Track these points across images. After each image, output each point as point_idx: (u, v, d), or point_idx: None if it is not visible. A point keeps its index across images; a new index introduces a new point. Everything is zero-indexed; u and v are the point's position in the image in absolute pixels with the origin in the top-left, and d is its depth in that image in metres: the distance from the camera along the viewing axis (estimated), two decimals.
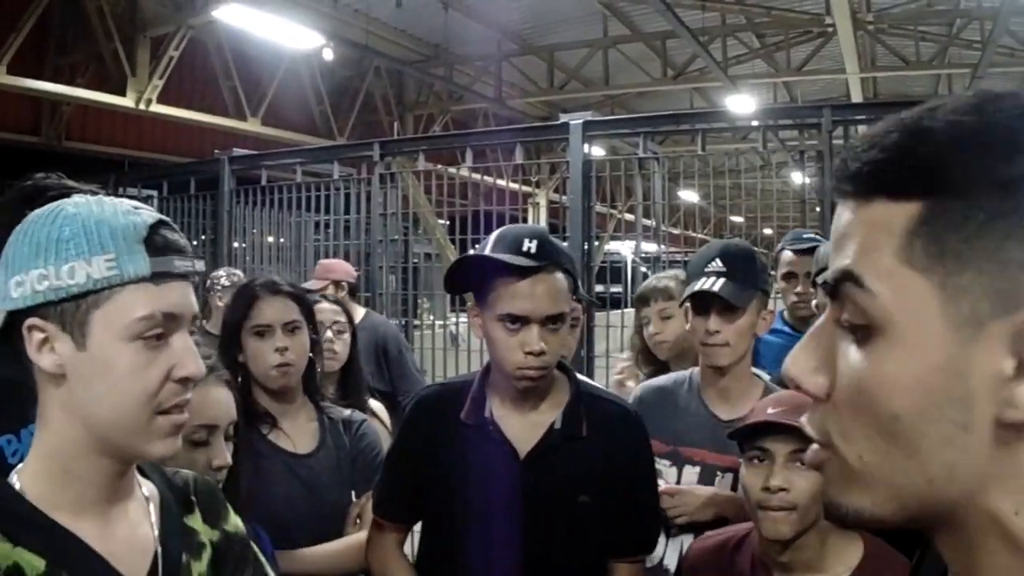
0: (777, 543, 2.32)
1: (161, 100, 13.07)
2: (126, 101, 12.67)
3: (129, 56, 12.59)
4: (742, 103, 14.65)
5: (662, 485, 2.84)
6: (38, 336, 1.41)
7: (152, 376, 1.43)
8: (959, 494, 0.79)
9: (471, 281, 2.53)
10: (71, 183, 2.62)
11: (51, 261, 1.39)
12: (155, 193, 9.19)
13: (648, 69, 17.45)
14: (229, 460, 2.29)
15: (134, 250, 1.41)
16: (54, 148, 14.03)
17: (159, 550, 1.54)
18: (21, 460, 2.41)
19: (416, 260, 8.31)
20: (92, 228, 1.41)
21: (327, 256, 7.73)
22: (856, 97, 16.18)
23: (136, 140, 15.27)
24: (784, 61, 16.25)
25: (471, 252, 2.63)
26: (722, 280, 2.85)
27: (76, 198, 1.49)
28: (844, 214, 0.85)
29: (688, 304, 2.96)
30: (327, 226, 7.99)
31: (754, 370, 3.06)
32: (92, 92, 12.49)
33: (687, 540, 2.89)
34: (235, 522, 1.76)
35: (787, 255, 4.40)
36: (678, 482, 2.96)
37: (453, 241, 9.00)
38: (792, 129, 7.41)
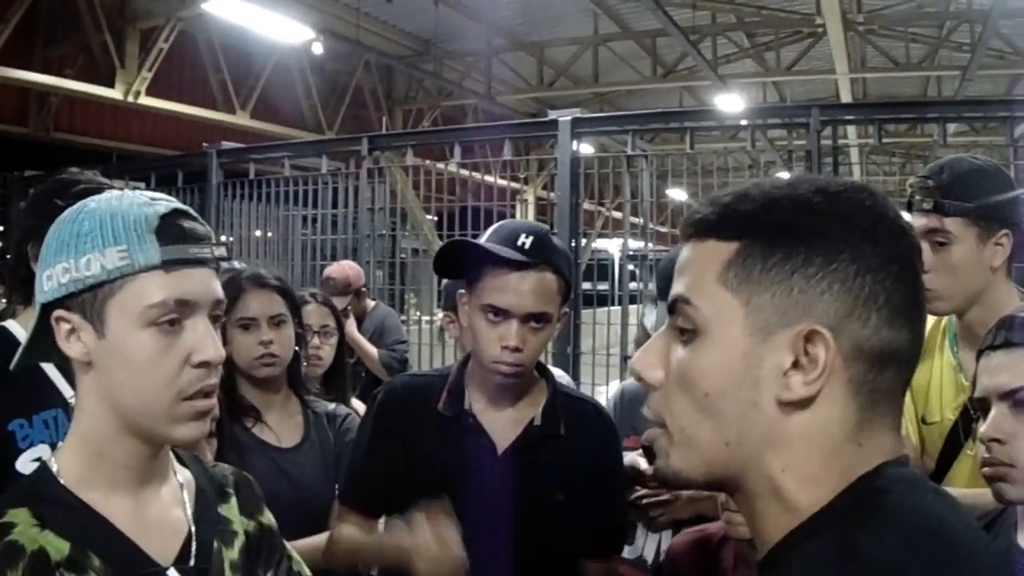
0: (746, 541, 2.33)
1: (150, 92, 13.04)
2: (115, 93, 12.64)
3: (118, 48, 12.56)
4: (731, 102, 14.66)
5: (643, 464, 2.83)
6: (65, 327, 1.50)
7: (169, 362, 1.48)
8: (748, 456, 1.09)
9: (463, 267, 2.50)
10: (103, 179, 2.64)
11: (72, 255, 1.47)
12: (143, 185, 9.12)
13: (638, 67, 17.47)
14: (210, 459, 2.29)
15: (145, 240, 1.47)
16: (42, 139, 13.98)
17: (191, 531, 1.60)
18: (31, 445, 2.43)
19: (404, 255, 8.31)
20: (107, 221, 1.48)
21: (314, 250, 7.74)
22: (845, 98, 16.22)
23: (124, 132, 15.22)
24: (774, 61, 16.25)
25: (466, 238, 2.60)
26: None
27: (103, 194, 1.56)
28: (685, 251, 1.18)
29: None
30: (315, 220, 7.99)
31: None
32: (80, 84, 12.45)
33: (665, 532, 2.91)
34: (269, 516, 1.83)
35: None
36: None
37: (441, 237, 8.96)
38: (781, 128, 7.42)
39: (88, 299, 1.47)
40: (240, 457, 2.56)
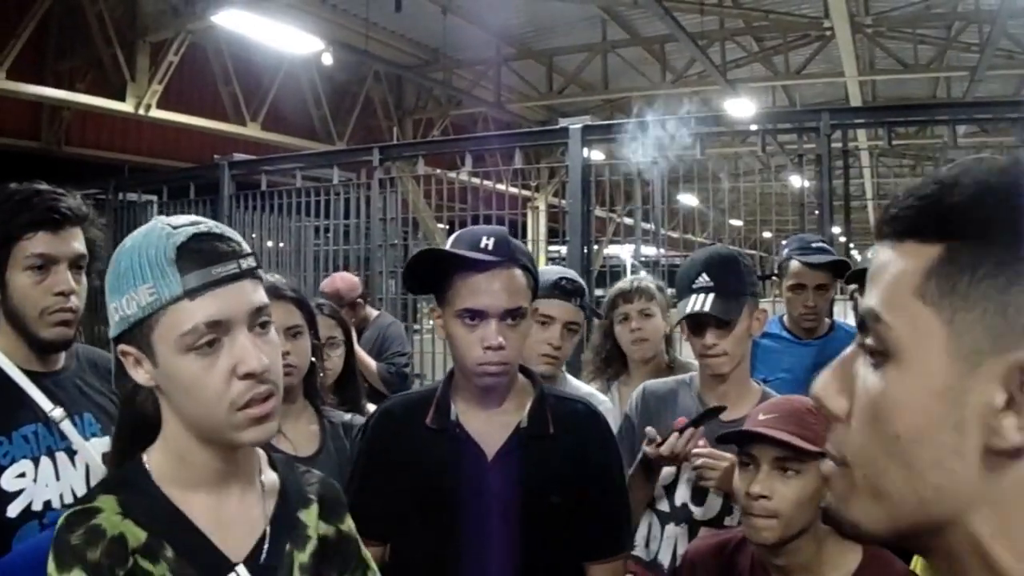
0: (764, 547, 2.34)
1: (161, 105, 13.07)
2: (126, 106, 12.68)
3: (129, 61, 12.60)
4: (741, 107, 14.66)
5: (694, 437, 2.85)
6: (129, 359, 1.61)
7: (214, 379, 1.55)
8: (946, 515, 0.87)
9: (432, 280, 2.51)
10: (60, 190, 2.63)
11: (117, 295, 1.59)
12: (155, 198, 9.21)
13: (647, 73, 17.47)
14: None
15: (167, 274, 1.54)
16: (54, 153, 14.01)
17: (267, 532, 1.70)
18: (13, 460, 2.45)
19: None
20: (135, 260, 1.57)
21: (327, 261, 7.75)
22: (855, 100, 16.18)
23: (136, 145, 15.25)
24: (783, 65, 16.25)
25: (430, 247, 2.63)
26: (712, 296, 2.88)
27: (139, 230, 1.64)
28: (881, 252, 0.95)
29: (684, 324, 2.98)
30: (327, 231, 8.01)
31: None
32: (92, 97, 12.49)
33: (681, 535, 2.92)
34: (350, 524, 1.93)
35: (796, 265, 4.36)
36: (675, 481, 2.98)
37: None
38: (791, 133, 7.40)
39: (137, 334, 1.58)
40: None
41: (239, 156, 8.56)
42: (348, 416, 3.22)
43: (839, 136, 6.08)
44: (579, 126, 6.38)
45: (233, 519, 1.67)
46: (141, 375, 1.62)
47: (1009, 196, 0.86)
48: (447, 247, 2.48)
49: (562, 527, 2.50)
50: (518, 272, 2.44)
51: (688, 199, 16.58)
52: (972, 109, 7.77)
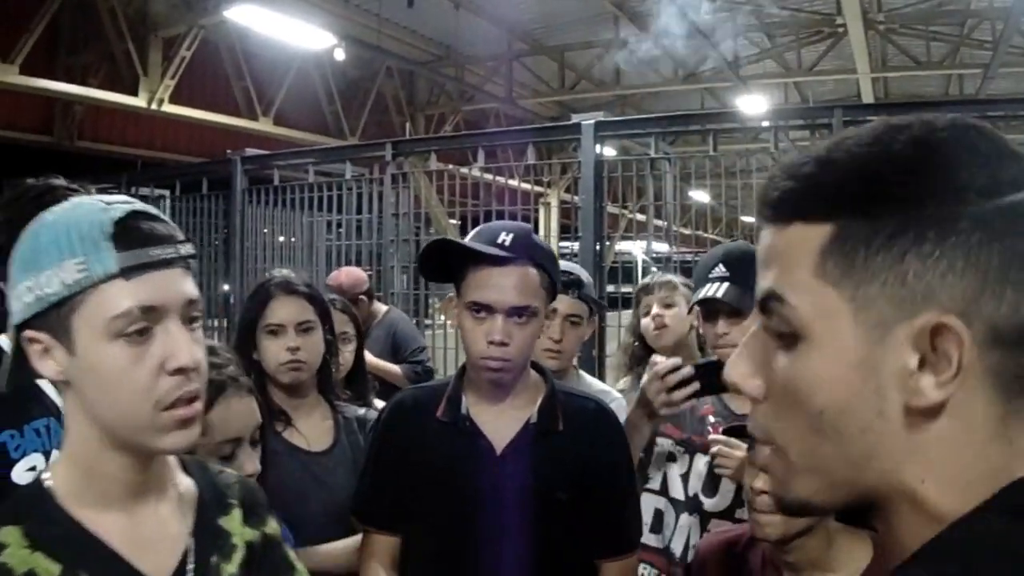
0: (772, 543, 2.35)
1: (173, 100, 13.12)
2: (138, 101, 12.72)
3: (141, 56, 12.64)
4: (753, 103, 14.67)
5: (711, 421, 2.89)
6: (37, 347, 1.44)
7: (142, 372, 1.41)
8: (879, 473, 0.91)
9: (449, 270, 2.53)
10: (75, 185, 2.65)
11: (33, 272, 1.41)
12: (167, 193, 9.22)
13: (659, 69, 17.46)
14: (258, 466, 2.30)
15: (101, 248, 1.39)
16: (66, 148, 14.07)
17: (189, 548, 1.55)
18: (24, 454, 2.45)
19: None
20: (62, 234, 1.41)
21: (339, 256, 7.76)
22: (867, 97, 16.17)
23: (148, 140, 15.31)
24: (795, 61, 16.24)
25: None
26: (726, 285, 2.89)
27: (60, 205, 1.49)
28: (766, 237, 0.98)
29: (697, 311, 3.00)
30: (339, 226, 8.01)
31: None
32: (104, 92, 12.54)
33: (693, 525, 2.92)
34: (274, 526, 1.78)
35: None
36: (688, 470, 2.98)
37: None
38: (803, 129, 7.40)
39: (54, 317, 1.41)
40: (271, 461, 2.58)
41: (251, 151, 8.55)
42: (362, 411, 3.23)
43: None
44: (592, 122, 6.37)
45: (152, 537, 1.51)
46: (50, 367, 1.44)
47: (886, 165, 0.89)
48: (467, 239, 2.50)
49: (571, 523, 2.50)
50: (532, 271, 2.44)
51: (700, 196, 16.57)
52: (984, 106, 7.73)
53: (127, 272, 1.39)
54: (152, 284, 1.42)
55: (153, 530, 1.52)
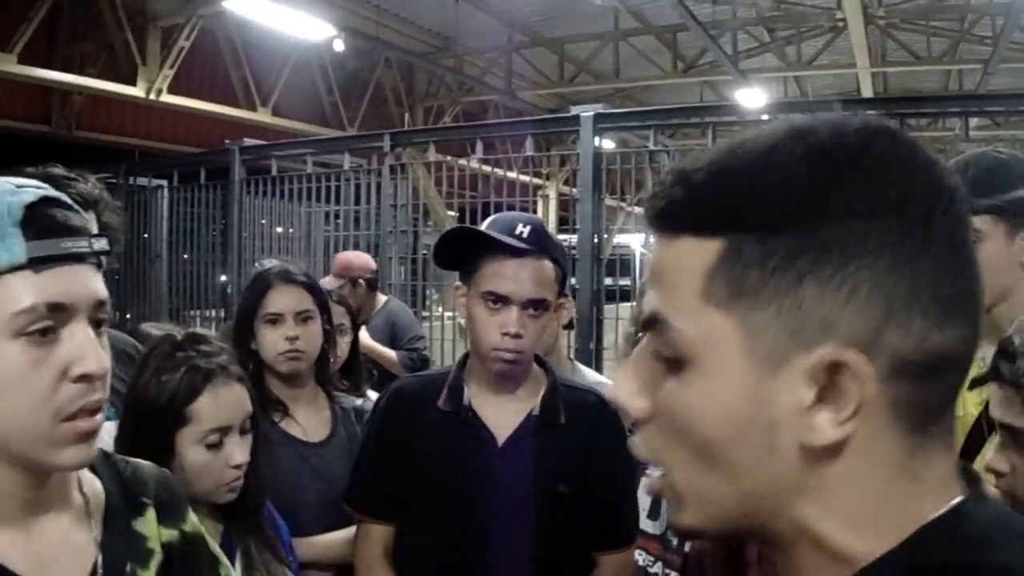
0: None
1: (172, 90, 13.08)
2: (137, 91, 12.68)
3: (140, 46, 12.60)
4: (752, 97, 14.64)
5: None
6: None
7: (42, 377, 1.25)
8: (773, 508, 0.84)
9: (461, 257, 2.52)
10: (74, 174, 2.64)
11: None
12: (165, 183, 9.22)
13: (659, 62, 17.43)
14: (247, 457, 2.29)
15: (8, 234, 1.24)
16: (64, 138, 14.03)
17: (99, 559, 1.41)
18: None
19: (425, 251, 8.32)
20: None
21: (337, 246, 7.76)
22: (866, 93, 16.14)
23: (146, 130, 15.27)
24: (795, 55, 16.20)
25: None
26: None
27: None
28: (659, 247, 0.89)
29: None
30: (337, 216, 8.03)
31: None
32: (103, 82, 12.50)
33: None
34: (193, 520, 1.64)
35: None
36: None
37: None
38: None
39: None
40: (267, 451, 2.57)
41: (250, 141, 8.55)
42: (359, 401, 3.23)
43: None
44: (591, 114, 6.36)
45: (55, 552, 1.36)
46: None
47: (783, 176, 0.81)
48: (484, 224, 2.49)
49: (571, 516, 2.50)
50: (548, 264, 2.45)
51: None
52: (984, 102, 7.73)
53: (36, 263, 1.25)
54: (62, 279, 1.27)
55: (57, 545, 1.37)
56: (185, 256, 9.24)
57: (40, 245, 1.25)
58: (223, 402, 2.25)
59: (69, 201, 1.35)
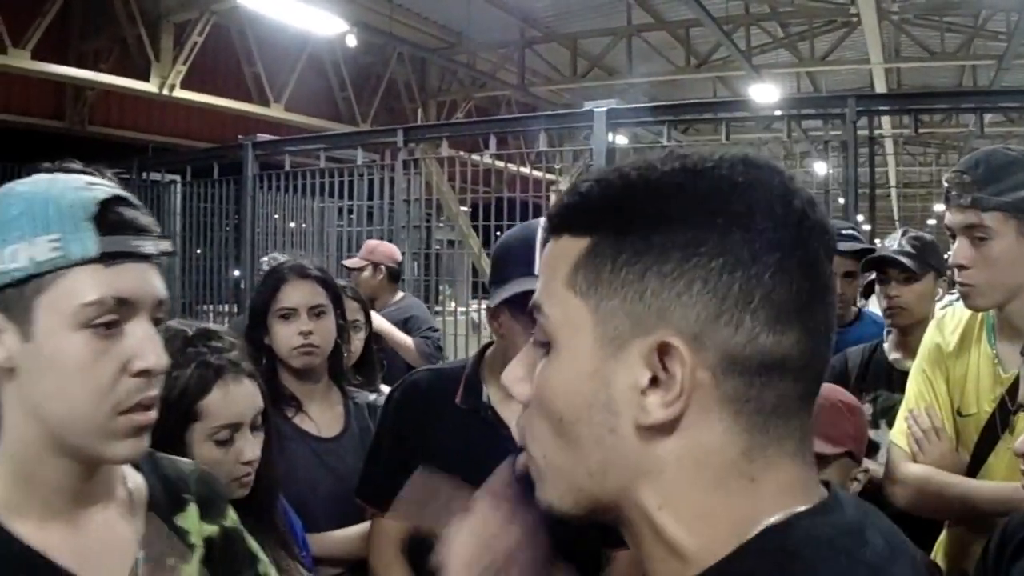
0: None
1: (184, 86, 13.10)
2: (149, 86, 12.70)
3: (152, 41, 12.61)
4: (766, 92, 14.60)
5: None
6: None
7: (105, 369, 1.30)
8: (616, 488, 0.92)
9: (505, 275, 2.37)
10: (91, 170, 2.64)
11: None
12: (178, 178, 9.23)
13: (672, 57, 17.42)
14: (258, 453, 2.27)
15: (81, 229, 1.29)
16: (78, 133, 14.06)
17: (141, 554, 1.44)
18: None
19: (438, 246, 8.34)
20: (38, 207, 1.29)
21: (349, 242, 7.77)
22: (880, 88, 16.10)
23: (159, 125, 15.29)
24: (808, 51, 16.18)
25: (523, 281, 2.29)
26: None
27: (33, 177, 1.38)
28: (549, 246, 0.99)
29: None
30: (350, 212, 8.03)
31: None
32: (116, 77, 12.51)
33: None
34: (234, 518, 1.68)
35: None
36: None
37: (475, 228, 9.00)
38: (816, 119, 7.37)
39: (13, 295, 1.29)
40: (280, 447, 2.56)
41: (263, 136, 8.56)
42: (372, 396, 3.22)
43: (865, 123, 6.04)
44: (604, 109, 6.36)
45: (100, 547, 1.39)
46: None
47: (645, 186, 0.92)
48: (536, 253, 2.24)
49: None
50: None
51: None
52: (999, 98, 7.69)
53: (107, 258, 1.29)
54: (130, 275, 1.32)
55: (101, 539, 1.40)
56: (198, 251, 9.27)
57: (111, 241, 1.30)
58: (234, 398, 2.24)
59: (137, 201, 1.39)
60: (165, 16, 12.79)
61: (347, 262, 6.31)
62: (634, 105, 7.06)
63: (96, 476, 1.41)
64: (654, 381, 0.87)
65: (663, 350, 0.87)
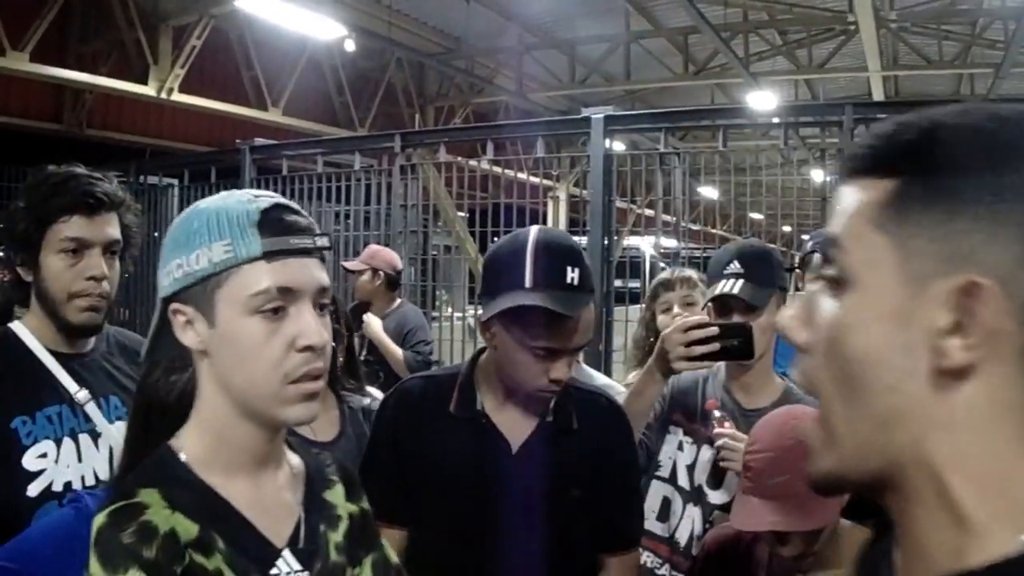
0: (771, 534, 2.34)
1: (183, 89, 13.10)
2: (148, 90, 12.70)
3: (151, 45, 12.62)
4: (763, 100, 14.63)
5: (720, 425, 2.90)
6: (181, 319, 1.60)
7: (274, 346, 1.54)
8: (905, 442, 0.88)
9: (496, 287, 2.38)
10: (97, 174, 2.65)
11: (184, 252, 1.57)
12: (176, 181, 9.23)
13: (670, 64, 17.44)
14: None
15: (248, 233, 1.55)
16: (76, 136, 14.07)
17: (302, 517, 1.68)
18: (35, 441, 2.45)
19: (435, 252, 8.34)
20: (213, 219, 1.57)
21: (347, 247, 7.77)
22: (878, 96, 16.13)
23: (157, 129, 15.31)
24: (806, 58, 16.21)
25: (515, 295, 2.33)
26: (741, 282, 2.89)
27: (214, 196, 1.65)
28: (844, 190, 0.98)
29: (710, 307, 3.00)
30: (347, 216, 8.02)
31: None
32: (114, 80, 12.51)
33: (696, 517, 2.94)
34: (367, 504, 1.91)
35: (820, 259, 4.32)
36: (694, 461, 3.00)
37: (473, 233, 8.99)
38: (813, 127, 7.39)
39: (199, 291, 1.56)
40: None
41: (260, 141, 8.55)
42: (367, 401, 3.22)
43: (862, 131, 6.04)
44: (602, 116, 6.36)
45: (271, 504, 1.65)
46: (191, 336, 1.60)
47: (954, 135, 0.89)
48: (527, 267, 2.33)
49: (581, 519, 2.49)
50: (591, 306, 2.38)
51: (709, 192, 16.57)
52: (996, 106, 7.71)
53: (268, 256, 1.55)
54: (289, 269, 1.56)
55: (272, 498, 1.66)
56: None
57: (272, 241, 1.55)
58: None
59: (298, 208, 1.66)
60: (164, 19, 12.79)
61: (347, 264, 6.32)
62: (632, 112, 7.08)
63: (272, 444, 1.66)
64: (955, 325, 0.84)
65: (968, 291, 0.84)
